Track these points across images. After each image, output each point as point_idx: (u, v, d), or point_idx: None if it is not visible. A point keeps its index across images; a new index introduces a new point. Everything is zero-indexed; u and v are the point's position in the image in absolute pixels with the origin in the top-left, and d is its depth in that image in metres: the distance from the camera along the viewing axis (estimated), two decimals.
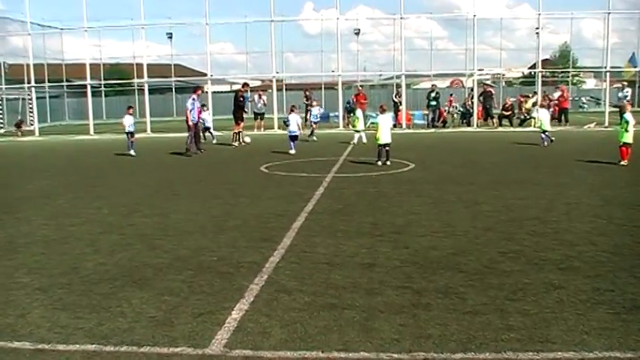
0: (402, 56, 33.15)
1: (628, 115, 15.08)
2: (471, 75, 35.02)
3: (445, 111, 33.42)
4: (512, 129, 29.79)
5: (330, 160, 16.89)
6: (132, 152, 19.71)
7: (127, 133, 20.26)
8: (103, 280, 6.15)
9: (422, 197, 10.79)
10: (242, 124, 23.50)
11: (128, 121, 20.15)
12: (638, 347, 4.29)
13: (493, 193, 11.07)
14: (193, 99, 19.98)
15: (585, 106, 50.42)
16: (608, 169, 14.25)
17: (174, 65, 48.28)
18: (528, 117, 31.20)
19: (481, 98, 31.19)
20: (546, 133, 20.40)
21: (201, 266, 6.58)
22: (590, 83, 63.56)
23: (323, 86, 49.37)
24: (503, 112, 31.81)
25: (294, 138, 19.37)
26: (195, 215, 9.58)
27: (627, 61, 38.57)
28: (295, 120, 19.72)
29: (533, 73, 41.63)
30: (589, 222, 8.45)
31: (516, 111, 32.64)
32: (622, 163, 14.53)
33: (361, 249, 7.18)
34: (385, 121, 15.95)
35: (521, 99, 33.67)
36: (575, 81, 56.72)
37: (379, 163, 15.23)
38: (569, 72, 48.64)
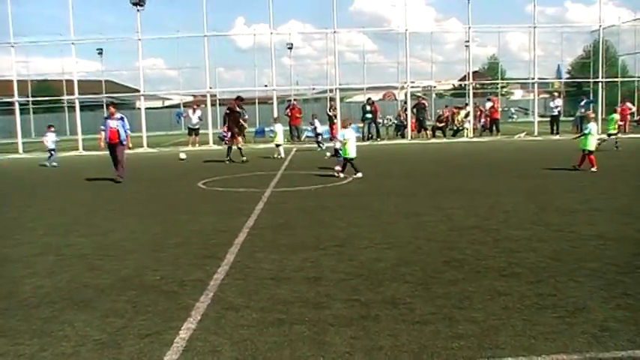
0: (336, 70, 33.45)
1: (592, 125, 15.77)
2: (403, 88, 35.59)
3: (380, 122, 33.73)
4: (445, 140, 30.44)
5: (268, 174, 16.83)
6: (54, 163, 21.13)
7: (50, 150, 22.07)
8: (43, 303, 5.92)
9: (362, 209, 10.85)
10: (240, 139, 21.73)
11: (51, 138, 21.97)
12: (584, 349, 4.40)
13: (432, 203, 11.22)
14: (105, 118, 17.89)
15: (514, 116, 52.13)
16: (541, 176, 14.70)
17: (105, 81, 47.41)
18: (461, 128, 31.98)
19: (414, 110, 31.71)
20: (613, 136, 21.36)
21: (145, 286, 6.42)
22: (518, 94, 65.80)
23: (257, 101, 49.32)
24: (438, 124, 32.57)
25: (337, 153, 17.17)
26: (134, 234, 9.37)
27: (555, 72, 40.20)
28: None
29: (463, 85, 42.66)
30: (527, 229, 8.65)
31: (449, 123, 33.47)
32: (592, 169, 15.11)
33: (306, 263, 7.14)
34: (351, 135, 16.14)
35: (455, 110, 34.44)
36: (504, 92, 58.53)
37: (340, 175, 15.50)
38: (498, 84, 50.06)
